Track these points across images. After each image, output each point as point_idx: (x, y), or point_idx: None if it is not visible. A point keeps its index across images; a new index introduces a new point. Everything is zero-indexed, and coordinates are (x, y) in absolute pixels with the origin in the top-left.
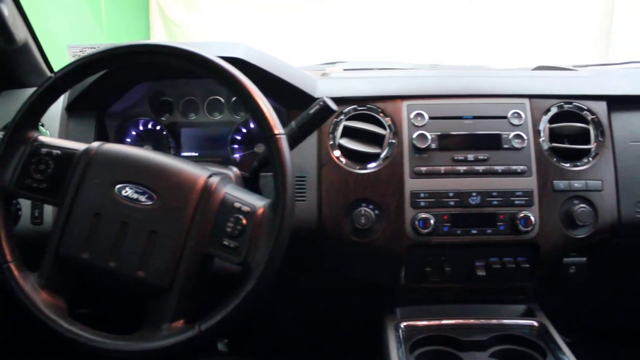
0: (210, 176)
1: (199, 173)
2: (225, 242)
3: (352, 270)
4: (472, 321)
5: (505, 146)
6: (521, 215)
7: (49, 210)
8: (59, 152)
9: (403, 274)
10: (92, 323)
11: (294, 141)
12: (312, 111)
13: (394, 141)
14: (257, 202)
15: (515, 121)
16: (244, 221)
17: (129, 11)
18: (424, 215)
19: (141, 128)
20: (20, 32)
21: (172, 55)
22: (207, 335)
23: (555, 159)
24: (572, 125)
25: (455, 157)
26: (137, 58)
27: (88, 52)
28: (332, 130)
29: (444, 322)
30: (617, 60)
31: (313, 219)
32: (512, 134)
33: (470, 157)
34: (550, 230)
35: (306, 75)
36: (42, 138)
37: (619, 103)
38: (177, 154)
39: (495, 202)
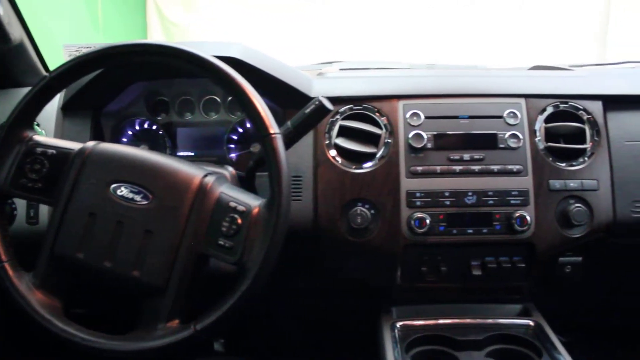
0: (205, 176)
1: (195, 172)
2: (221, 242)
3: (348, 270)
4: (468, 321)
5: (501, 146)
6: (517, 214)
7: (44, 210)
8: (54, 151)
9: (399, 273)
10: (88, 323)
11: (289, 141)
12: (307, 110)
13: (389, 141)
14: (253, 202)
15: (511, 121)
16: (240, 221)
17: (126, 11)
18: (419, 214)
19: (137, 128)
20: (15, 32)
21: (168, 55)
22: (202, 335)
23: (551, 159)
24: (568, 124)
25: (451, 157)
26: (133, 57)
27: (84, 51)
28: (328, 129)
29: (440, 321)
30: (613, 60)
31: (309, 218)
32: (508, 133)
33: (466, 156)
34: (546, 229)
35: (302, 75)
36: (37, 137)
37: (614, 103)
38: (173, 153)
39: (491, 202)
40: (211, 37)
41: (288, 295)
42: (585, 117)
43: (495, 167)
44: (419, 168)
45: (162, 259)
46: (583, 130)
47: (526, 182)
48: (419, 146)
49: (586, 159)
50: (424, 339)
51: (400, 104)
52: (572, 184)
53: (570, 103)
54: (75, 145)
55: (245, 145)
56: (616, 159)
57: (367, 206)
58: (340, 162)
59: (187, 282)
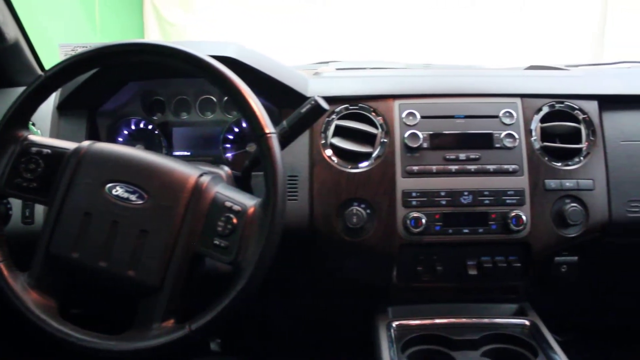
0: (201, 175)
1: (190, 172)
2: (216, 242)
3: (344, 270)
4: (464, 320)
5: (497, 145)
6: (513, 214)
7: (40, 209)
8: (49, 151)
9: (395, 273)
10: (84, 323)
11: (285, 140)
12: (303, 110)
13: (385, 140)
14: (248, 201)
15: (507, 120)
16: (235, 220)
17: (123, 10)
18: (415, 214)
19: (133, 127)
20: (10, 31)
21: (163, 54)
22: (197, 335)
23: (546, 158)
24: (564, 124)
25: (447, 156)
26: (128, 57)
27: (79, 50)
28: (324, 129)
29: (436, 321)
30: (609, 60)
31: (305, 218)
32: (504, 133)
33: (462, 156)
34: (542, 229)
35: (298, 74)
36: (32, 137)
37: (610, 102)
38: (169, 153)
39: (486, 201)
40: (208, 37)
41: (284, 295)
42: (580, 116)
43: (491, 167)
44: (415, 168)
45: (157, 258)
46: (579, 130)
47: (522, 181)
48: (415, 146)
49: (582, 158)
50: (420, 338)
51: (396, 103)
52: (568, 183)
53: (566, 103)
54: (70, 145)
55: (241, 145)
56: (612, 159)
57: (363, 206)
58: (336, 161)
59: (183, 282)
